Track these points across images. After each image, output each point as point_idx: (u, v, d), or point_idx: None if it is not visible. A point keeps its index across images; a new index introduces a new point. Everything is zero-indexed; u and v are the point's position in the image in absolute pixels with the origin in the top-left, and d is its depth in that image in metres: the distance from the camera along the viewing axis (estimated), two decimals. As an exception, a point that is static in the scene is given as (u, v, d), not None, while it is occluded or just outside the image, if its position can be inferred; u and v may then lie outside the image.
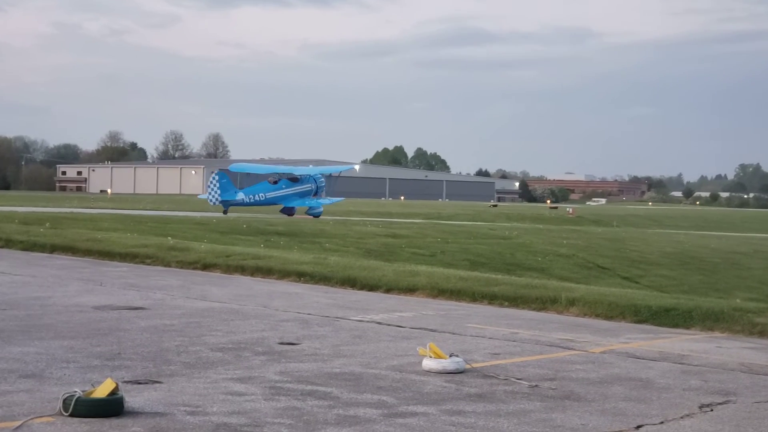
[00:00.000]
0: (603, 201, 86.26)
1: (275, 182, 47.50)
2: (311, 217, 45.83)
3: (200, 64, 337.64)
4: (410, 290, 17.13)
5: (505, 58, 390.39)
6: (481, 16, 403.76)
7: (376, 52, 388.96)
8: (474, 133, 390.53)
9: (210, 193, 44.84)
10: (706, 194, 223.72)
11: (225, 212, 44.60)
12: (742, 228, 77.86)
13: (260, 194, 46.48)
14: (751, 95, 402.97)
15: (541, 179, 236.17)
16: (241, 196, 45.47)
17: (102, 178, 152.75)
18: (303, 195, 47.71)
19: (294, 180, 47.86)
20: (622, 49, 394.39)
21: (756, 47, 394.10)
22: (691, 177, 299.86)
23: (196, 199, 58.10)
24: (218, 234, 30.84)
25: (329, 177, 52.55)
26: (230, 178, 45.49)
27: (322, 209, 47.71)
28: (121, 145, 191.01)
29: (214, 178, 44.73)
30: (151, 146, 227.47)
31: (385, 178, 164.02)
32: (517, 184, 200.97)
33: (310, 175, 48.50)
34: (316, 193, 48.22)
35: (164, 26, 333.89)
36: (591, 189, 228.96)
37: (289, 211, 47.49)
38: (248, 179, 49.37)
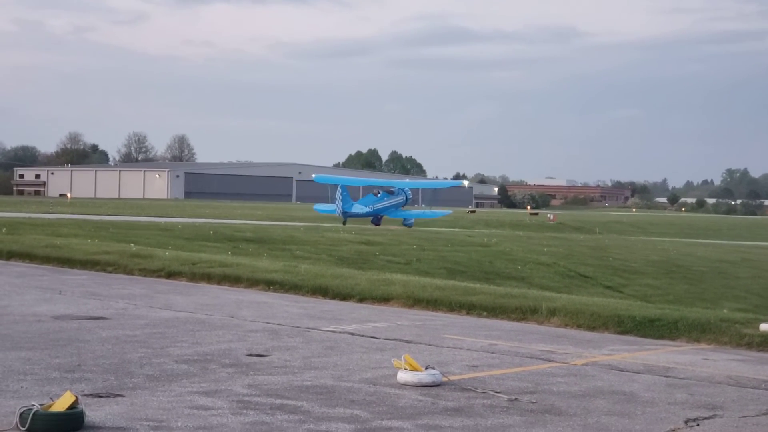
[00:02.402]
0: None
1: (378, 194, 52.62)
2: (406, 227, 50.16)
3: (166, 63, 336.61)
4: (385, 300, 16.96)
5: (486, 58, 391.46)
6: (463, 14, 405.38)
7: (352, 51, 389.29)
8: (452, 135, 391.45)
9: (336, 204, 50.48)
10: (692, 200, 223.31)
11: (344, 223, 49.45)
12: (729, 235, 78.66)
13: (370, 206, 51.79)
14: (739, 98, 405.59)
15: (521, 184, 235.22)
16: (356, 208, 50.93)
17: (61, 182, 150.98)
18: (398, 206, 52.91)
19: (390, 192, 53.08)
20: (608, 49, 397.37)
21: (745, 48, 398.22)
22: (676, 182, 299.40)
23: (309, 209, 62.93)
24: (184, 240, 30.47)
25: (435, 191, 61.82)
26: (348, 192, 50.97)
27: (413, 221, 52.54)
28: (82, 147, 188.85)
29: (338, 192, 49.69)
30: (113, 148, 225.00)
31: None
32: (496, 189, 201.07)
33: (400, 188, 54.02)
34: (405, 203, 53.89)
35: (131, 24, 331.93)
36: (572, 194, 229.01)
37: (377, 221, 52.03)
38: (332, 190, 53.54)
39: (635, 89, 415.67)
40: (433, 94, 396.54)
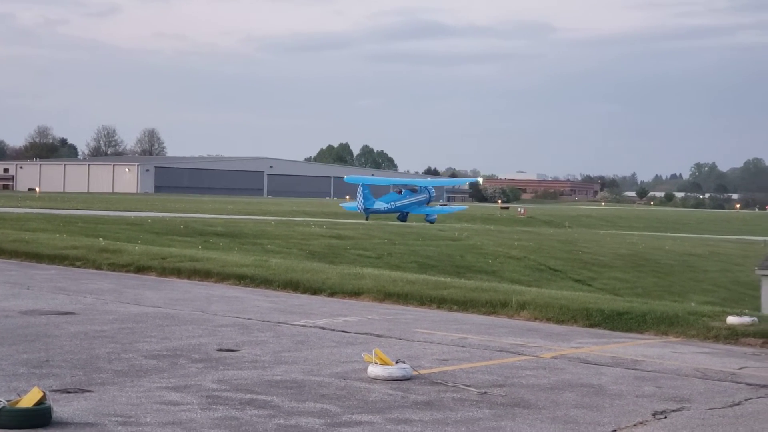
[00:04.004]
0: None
1: (400, 192, 56.11)
2: (429, 223, 53.65)
3: (137, 56, 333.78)
4: (355, 294, 16.93)
5: (460, 53, 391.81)
6: (437, 8, 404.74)
7: (326, 45, 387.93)
8: (424, 130, 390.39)
9: (358, 202, 53.46)
10: (660, 194, 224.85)
11: (367, 219, 52.23)
12: (697, 229, 79.43)
13: (392, 203, 55.19)
14: (707, 93, 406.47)
15: (492, 178, 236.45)
16: (378, 204, 53.90)
17: (30, 176, 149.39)
18: (421, 203, 56.21)
19: (414, 190, 56.38)
20: (581, 45, 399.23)
21: (714, 43, 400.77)
22: (645, 176, 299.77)
23: (338, 204, 68.75)
24: (153, 235, 30.30)
25: (454, 188, 64.58)
26: (370, 190, 54.50)
27: (436, 216, 56.32)
28: (51, 141, 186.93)
29: (360, 190, 52.89)
30: (82, 142, 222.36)
31: (329, 177, 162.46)
32: (467, 183, 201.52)
33: (424, 186, 57.42)
34: (428, 201, 57.21)
35: (102, 16, 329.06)
36: (543, 188, 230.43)
37: (404, 217, 55.23)
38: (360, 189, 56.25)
39: (606, 84, 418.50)
40: (407, 89, 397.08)
